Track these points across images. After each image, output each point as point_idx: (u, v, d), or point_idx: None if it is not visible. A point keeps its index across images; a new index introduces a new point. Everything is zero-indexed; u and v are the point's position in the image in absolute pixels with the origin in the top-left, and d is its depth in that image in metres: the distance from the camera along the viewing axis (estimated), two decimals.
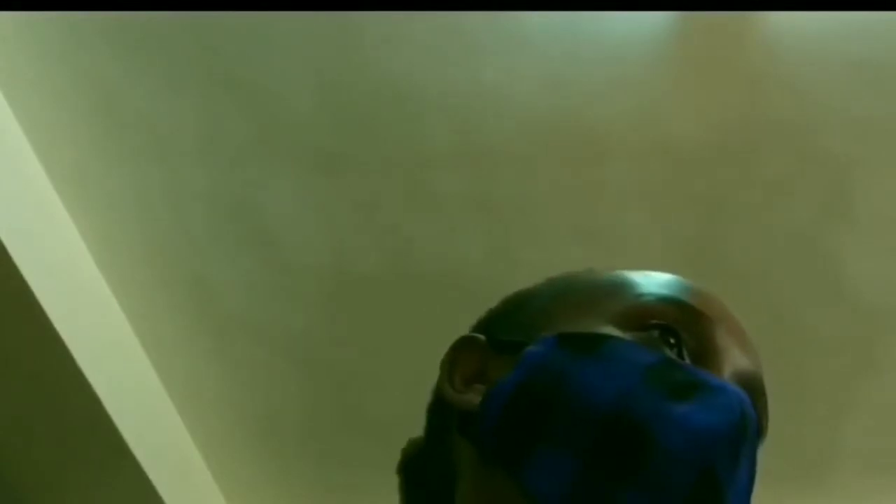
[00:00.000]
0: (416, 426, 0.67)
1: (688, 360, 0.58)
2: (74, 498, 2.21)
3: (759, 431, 0.57)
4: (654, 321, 0.59)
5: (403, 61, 1.71)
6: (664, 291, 0.62)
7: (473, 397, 0.59)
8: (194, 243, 2.01)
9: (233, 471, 2.54)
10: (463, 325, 0.68)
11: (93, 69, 1.72)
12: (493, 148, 1.82)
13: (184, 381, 2.29)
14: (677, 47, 1.69)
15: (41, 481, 2.17)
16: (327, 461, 2.50)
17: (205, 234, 1.99)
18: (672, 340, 0.59)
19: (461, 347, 0.64)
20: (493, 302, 0.69)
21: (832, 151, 1.83)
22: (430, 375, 0.65)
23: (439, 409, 0.64)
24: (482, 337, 0.64)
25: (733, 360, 0.60)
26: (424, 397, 0.66)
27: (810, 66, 1.71)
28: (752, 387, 0.60)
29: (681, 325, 0.60)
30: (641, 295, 0.62)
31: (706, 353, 0.59)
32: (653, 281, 0.65)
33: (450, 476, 0.62)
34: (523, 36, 1.68)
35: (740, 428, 0.53)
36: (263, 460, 2.52)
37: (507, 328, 0.65)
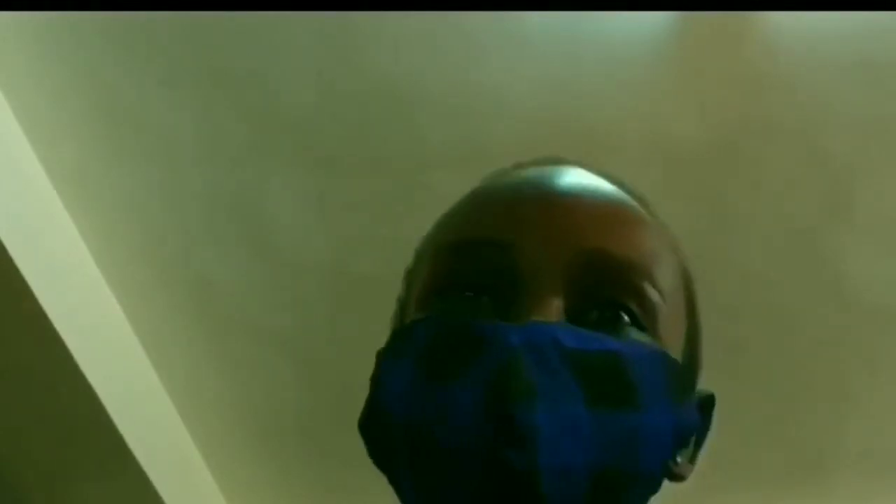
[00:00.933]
0: None
1: (497, 309, 0.54)
2: (74, 498, 2.21)
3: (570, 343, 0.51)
4: (448, 281, 0.56)
5: (403, 61, 1.71)
6: (456, 232, 0.58)
7: None
8: (194, 243, 2.01)
9: (233, 471, 2.54)
10: None
11: (93, 69, 1.72)
12: (493, 148, 1.82)
13: (184, 381, 2.29)
14: (677, 47, 1.69)
15: (41, 481, 2.17)
16: (327, 461, 2.50)
17: (205, 234, 1.99)
18: (483, 293, 0.54)
19: (375, 363, 0.64)
20: None
21: (832, 151, 1.83)
22: None
23: None
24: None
25: (542, 283, 0.53)
26: None
27: (810, 66, 1.71)
28: (595, 277, 0.54)
29: (476, 273, 0.55)
30: (438, 251, 0.58)
31: (509, 293, 0.54)
32: (458, 211, 0.61)
33: None
34: (523, 36, 1.68)
35: (506, 383, 0.48)
36: (263, 460, 2.52)
37: (395, 320, 0.64)
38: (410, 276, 0.63)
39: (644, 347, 0.53)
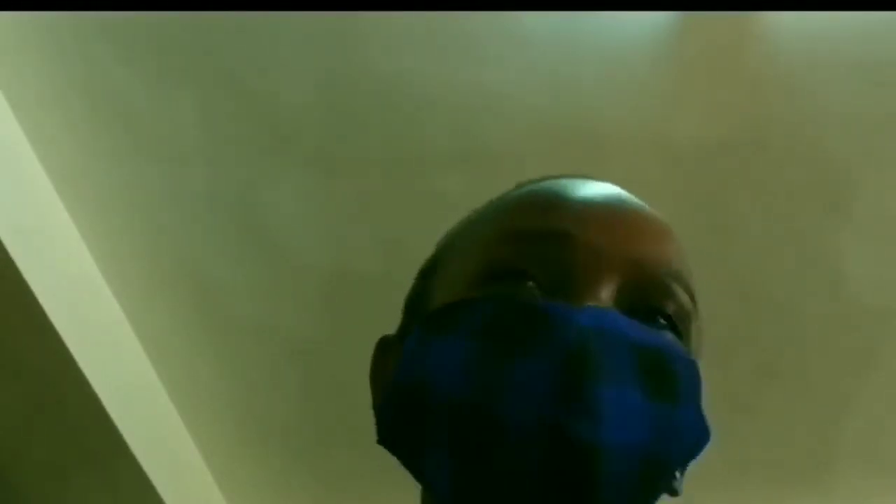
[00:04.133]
0: None
1: (543, 295, 0.55)
2: (74, 498, 2.21)
3: (636, 333, 0.53)
4: (500, 268, 0.56)
5: (403, 61, 1.71)
6: (508, 223, 0.59)
7: None
8: (194, 243, 2.01)
9: (233, 471, 2.54)
10: None
11: (93, 69, 1.72)
12: (493, 148, 1.82)
13: (184, 381, 2.29)
14: (677, 47, 1.69)
15: (41, 481, 2.17)
16: (327, 461, 2.51)
17: (205, 234, 1.99)
18: (528, 280, 0.55)
19: (376, 354, 0.63)
20: None
21: (832, 151, 1.83)
22: None
23: None
24: (391, 335, 0.63)
25: (597, 273, 0.55)
26: None
27: (810, 66, 1.71)
28: (642, 279, 0.56)
29: (526, 259, 0.56)
30: (486, 241, 0.59)
31: (560, 280, 0.55)
32: (504, 206, 0.62)
33: None
34: (523, 36, 1.68)
35: (580, 360, 0.50)
36: (263, 460, 2.52)
37: (407, 311, 0.64)
38: (431, 269, 0.64)
39: (684, 352, 0.56)
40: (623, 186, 0.64)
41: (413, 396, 0.52)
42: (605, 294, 0.54)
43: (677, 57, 1.70)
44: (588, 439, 0.48)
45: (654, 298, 0.56)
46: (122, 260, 2.02)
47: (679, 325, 0.57)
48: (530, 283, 0.55)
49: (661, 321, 0.56)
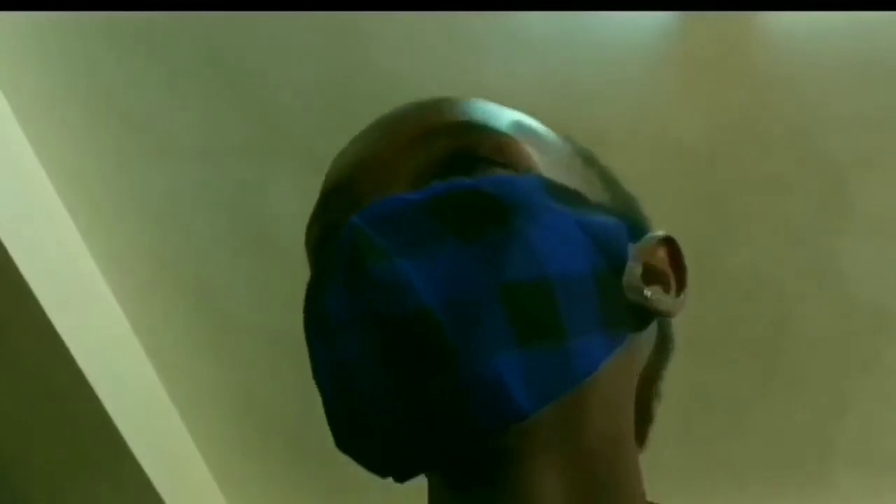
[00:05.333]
0: None
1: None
2: (74, 498, 2.21)
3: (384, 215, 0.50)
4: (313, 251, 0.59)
5: (403, 61, 1.71)
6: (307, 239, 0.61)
7: None
8: (194, 243, 2.01)
9: (233, 471, 2.54)
10: None
11: (93, 69, 1.72)
12: None
13: (184, 381, 2.29)
14: (678, 47, 1.69)
15: (41, 482, 2.17)
16: (327, 461, 2.50)
17: (205, 234, 1.99)
18: None
19: None
20: None
21: (832, 151, 1.83)
22: None
23: None
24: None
25: (368, 178, 0.55)
26: None
27: (810, 66, 1.71)
28: (428, 151, 0.55)
29: (322, 216, 0.58)
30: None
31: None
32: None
33: None
34: (523, 36, 1.68)
35: (357, 246, 0.48)
36: (263, 460, 2.52)
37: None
38: None
39: (508, 175, 0.52)
40: None
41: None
42: (396, 186, 0.53)
43: (677, 57, 1.70)
44: (405, 311, 0.45)
45: (463, 154, 0.54)
46: (122, 260, 2.02)
47: (511, 162, 0.54)
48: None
49: (486, 167, 0.53)
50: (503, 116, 0.60)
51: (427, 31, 1.68)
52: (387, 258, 0.47)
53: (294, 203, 1.94)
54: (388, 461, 0.48)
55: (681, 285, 0.59)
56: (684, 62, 1.71)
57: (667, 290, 0.57)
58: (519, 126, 0.59)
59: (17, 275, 1.71)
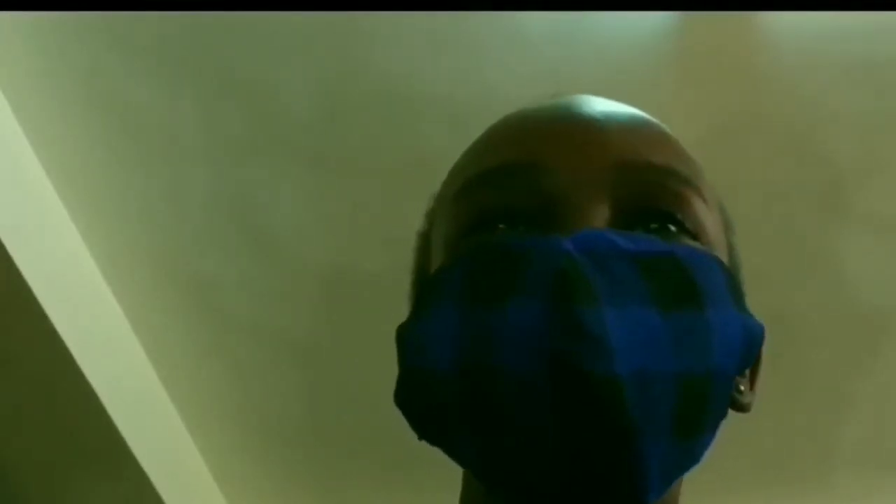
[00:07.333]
0: None
1: (529, 232, 0.50)
2: (74, 498, 2.21)
3: (628, 246, 0.47)
4: (476, 218, 0.52)
5: (403, 61, 1.71)
6: (475, 167, 0.54)
7: None
8: (194, 243, 2.01)
9: (233, 471, 2.54)
10: None
11: (93, 69, 1.72)
12: None
13: (184, 381, 2.29)
14: (677, 47, 1.69)
15: (41, 481, 2.17)
16: (328, 460, 2.50)
17: (205, 234, 1.99)
18: (502, 223, 0.51)
19: (397, 346, 0.62)
20: None
21: (832, 151, 1.83)
22: None
23: None
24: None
25: (580, 197, 0.50)
26: None
27: (810, 66, 1.71)
28: (635, 189, 0.51)
29: (501, 200, 0.51)
30: (457, 193, 0.54)
31: (544, 214, 0.50)
32: (473, 149, 0.57)
33: None
34: (523, 36, 1.68)
35: (569, 285, 0.44)
36: (263, 460, 2.52)
37: (412, 284, 0.61)
38: (425, 237, 0.61)
39: (699, 251, 0.51)
40: None
41: (420, 387, 0.49)
42: (599, 216, 0.49)
43: (677, 57, 1.70)
44: (601, 376, 0.43)
45: (658, 206, 0.51)
46: (122, 260, 2.02)
47: (693, 228, 0.52)
48: (521, 228, 0.50)
49: (672, 228, 0.51)
50: (691, 160, 0.57)
51: (427, 31, 1.68)
52: (597, 305, 0.44)
53: (294, 203, 1.94)
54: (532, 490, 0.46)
55: (755, 379, 0.57)
56: (684, 62, 1.71)
57: (748, 385, 0.57)
58: (701, 175, 0.57)
59: (17, 275, 1.71)
